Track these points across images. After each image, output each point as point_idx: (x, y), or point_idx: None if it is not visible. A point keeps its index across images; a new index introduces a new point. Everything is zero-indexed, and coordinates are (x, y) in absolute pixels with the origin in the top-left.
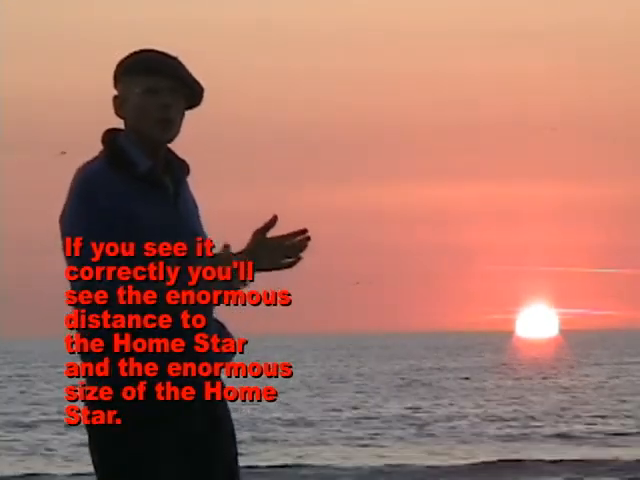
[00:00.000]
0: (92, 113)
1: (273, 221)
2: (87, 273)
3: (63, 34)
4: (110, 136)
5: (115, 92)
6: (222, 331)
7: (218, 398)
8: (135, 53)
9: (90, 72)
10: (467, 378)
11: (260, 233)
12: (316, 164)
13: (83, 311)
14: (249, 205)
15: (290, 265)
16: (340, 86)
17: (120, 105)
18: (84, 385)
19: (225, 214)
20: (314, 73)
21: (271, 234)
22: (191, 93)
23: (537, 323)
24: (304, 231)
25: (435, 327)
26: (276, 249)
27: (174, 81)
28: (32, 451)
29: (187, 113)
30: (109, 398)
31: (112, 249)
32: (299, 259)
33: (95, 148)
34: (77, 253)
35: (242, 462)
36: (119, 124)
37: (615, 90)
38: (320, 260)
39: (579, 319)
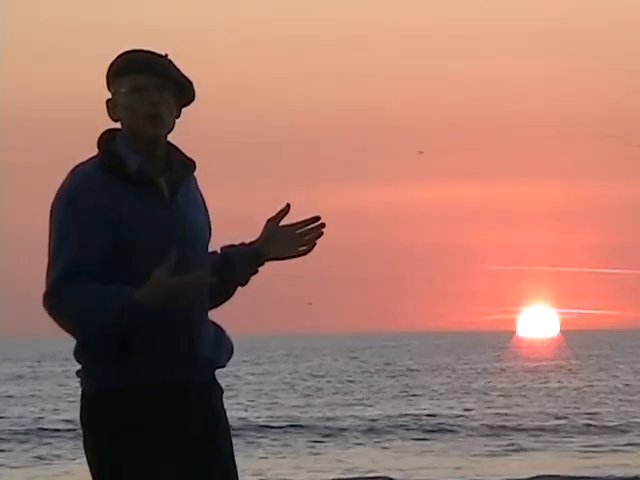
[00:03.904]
0: (92, 113)
1: (286, 210)
2: (75, 275)
3: (63, 34)
4: (105, 137)
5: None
6: (218, 332)
7: (215, 399)
8: (122, 54)
9: (90, 72)
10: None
11: (273, 222)
12: (316, 165)
13: (77, 313)
14: (248, 205)
15: (304, 253)
16: (340, 86)
17: (113, 107)
18: (81, 384)
19: (224, 214)
20: (315, 74)
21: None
22: (180, 89)
23: (538, 323)
24: (317, 218)
25: (436, 327)
26: (289, 237)
27: (161, 78)
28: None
29: (189, 112)
30: (106, 397)
31: (98, 250)
32: (313, 246)
33: (93, 147)
34: (63, 255)
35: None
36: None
37: (615, 90)
38: (320, 260)
39: (580, 319)
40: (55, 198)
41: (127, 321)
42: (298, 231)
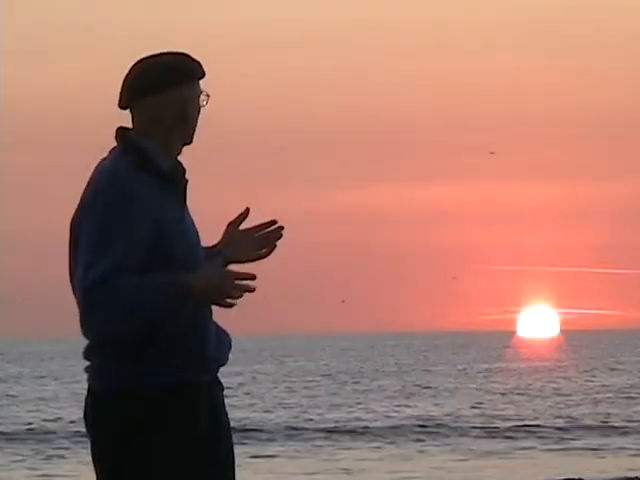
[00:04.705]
0: (92, 114)
1: (245, 214)
2: (120, 271)
3: (63, 34)
4: (126, 134)
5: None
6: (218, 330)
7: (218, 398)
8: (190, 57)
9: (90, 73)
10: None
11: (233, 226)
12: (315, 165)
13: (92, 312)
14: (250, 205)
15: (264, 256)
16: (339, 87)
17: (174, 105)
18: (89, 382)
19: (226, 214)
20: (313, 74)
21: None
22: None
23: (538, 323)
24: (274, 222)
25: (436, 327)
26: (249, 241)
27: None
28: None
29: None
30: (116, 397)
31: (139, 249)
32: (273, 248)
33: (92, 147)
34: (106, 254)
35: None
36: (118, 123)
37: (616, 89)
38: (319, 260)
39: (582, 319)
40: (88, 196)
41: (173, 306)
42: (257, 234)
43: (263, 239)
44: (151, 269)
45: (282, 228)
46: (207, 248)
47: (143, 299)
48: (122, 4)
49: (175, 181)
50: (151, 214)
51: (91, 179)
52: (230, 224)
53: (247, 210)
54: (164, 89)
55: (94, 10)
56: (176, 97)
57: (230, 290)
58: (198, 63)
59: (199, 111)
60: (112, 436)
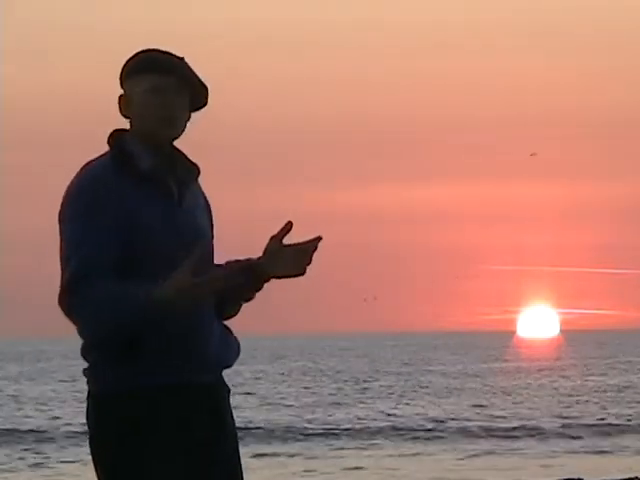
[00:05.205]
0: (92, 113)
1: (288, 227)
2: (90, 274)
3: (63, 34)
4: (115, 135)
5: (122, 92)
6: (225, 332)
7: (222, 399)
8: (142, 52)
9: (88, 72)
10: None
11: (275, 239)
12: (315, 165)
13: (84, 313)
14: (250, 205)
15: (303, 272)
16: (339, 87)
17: (126, 104)
18: (88, 384)
19: (226, 214)
20: (314, 74)
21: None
22: (195, 93)
23: (538, 323)
24: (320, 238)
25: (436, 327)
26: (291, 256)
27: (178, 80)
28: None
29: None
30: (113, 398)
31: (112, 250)
32: (308, 264)
33: (92, 147)
34: (77, 254)
35: None
36: (118, 124)
37: (616, 89)
38: (319, 260)
39: (580, 319)
40: (66, 196)
41: (144, 320)
42: (300, 251)
43: (303, 255)
44: (135, 268)
45: (316, 249)
46: (249, 260)
47: (118, 306)
48: (122, 4)
49: (160, 179)
50: (130, 214)
51: (75, 178)
52: (273, 238)
53: (290, 224)
54: (124, 82)
55: (94, 10)
56: (129, 89)
57: (203, 297)
58: (166, 58)
59: (165, 107)
60: (109, 436)
